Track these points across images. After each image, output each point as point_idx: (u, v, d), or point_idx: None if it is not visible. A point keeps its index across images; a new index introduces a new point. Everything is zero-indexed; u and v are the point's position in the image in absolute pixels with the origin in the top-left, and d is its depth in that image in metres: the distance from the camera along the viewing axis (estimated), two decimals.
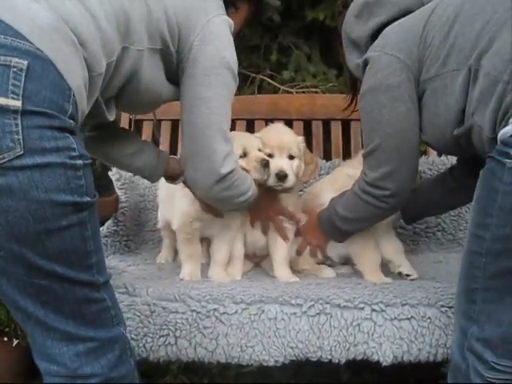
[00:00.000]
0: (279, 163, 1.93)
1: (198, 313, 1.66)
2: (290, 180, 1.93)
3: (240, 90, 2.95)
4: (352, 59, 1.81)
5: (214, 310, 1.66)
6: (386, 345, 1.63)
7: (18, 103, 1.14)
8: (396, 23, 1.69)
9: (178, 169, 1.76)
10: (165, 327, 1.65)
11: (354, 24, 1.78)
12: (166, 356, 1.66)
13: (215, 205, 1.82)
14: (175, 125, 2.49)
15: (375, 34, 1.73)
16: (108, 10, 1.38)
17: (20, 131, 1.14)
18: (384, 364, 1.64)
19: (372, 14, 1.73)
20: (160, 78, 1.59)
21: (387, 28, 1.70)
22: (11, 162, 1.14)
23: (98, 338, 1.32)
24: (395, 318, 1.64)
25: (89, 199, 1.25)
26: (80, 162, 1.23)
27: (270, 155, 1.94)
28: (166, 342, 1.65)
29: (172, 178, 1.82)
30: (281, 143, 1.97)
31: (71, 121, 1.22)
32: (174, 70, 1.61)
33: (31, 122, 1.15)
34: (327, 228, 1.95)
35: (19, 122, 1.14)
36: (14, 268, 1.22)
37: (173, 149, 2.52)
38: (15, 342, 2.09)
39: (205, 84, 1.58)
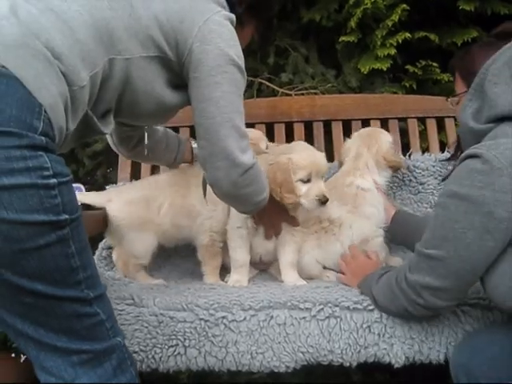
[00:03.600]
0: (321, 187, 1.90)
1: (207, 321, 1.64)
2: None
3: None
4: (468, 109, 1.48)
5: (223, 317, 1.65)
6: (398, 346, 1.62)
7: None
8: None
9: (190, 156, 2.14)
10: (173, 337, 1.63)
11: (498, 79, 1.40)
12: (175, 366, 1.64)
13: (234, 204, 1.81)
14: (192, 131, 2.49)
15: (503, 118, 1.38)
16: (88, 21, 1.35)
17: None
18: (396, 366, 1.63)
19: None
20: (159, 86, 1.55)
21: None
22: None
23: (92, 351, 1.28)
24: None
25: (67, 216, 1.20)
26: (54, 180, 1.17)
27: (308, 180, 1.90)
28: (176, 352, 1.63)
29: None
30: (319, 167, 1.92)
31: (43, 138, 1.18)
32: (179, 76, 1.57)
33: None
34: (365, 290, 1.74)
35: None
36: None
37: None
38: (23, 357, 2.08)
39: (211, 84, 1.54)
